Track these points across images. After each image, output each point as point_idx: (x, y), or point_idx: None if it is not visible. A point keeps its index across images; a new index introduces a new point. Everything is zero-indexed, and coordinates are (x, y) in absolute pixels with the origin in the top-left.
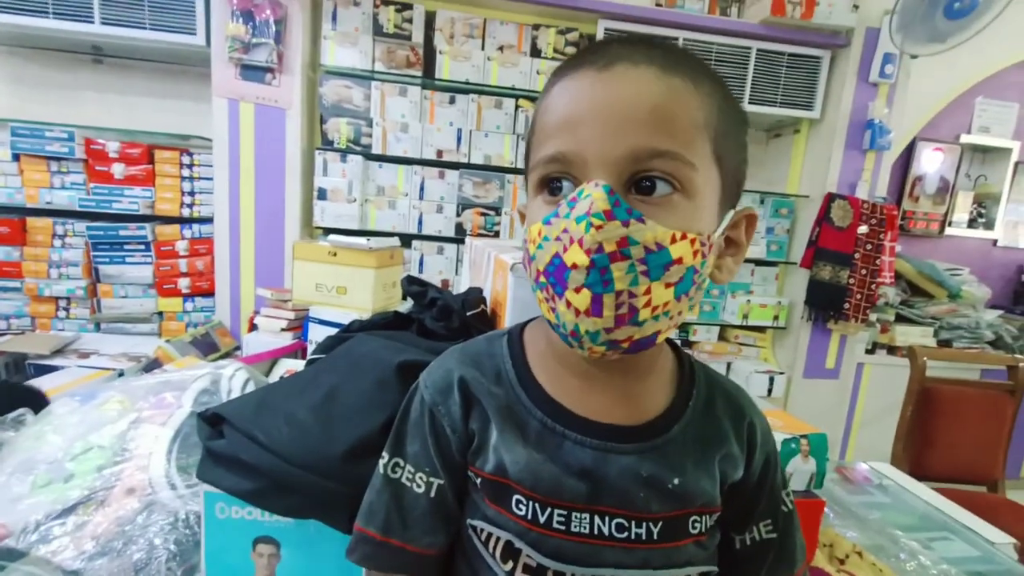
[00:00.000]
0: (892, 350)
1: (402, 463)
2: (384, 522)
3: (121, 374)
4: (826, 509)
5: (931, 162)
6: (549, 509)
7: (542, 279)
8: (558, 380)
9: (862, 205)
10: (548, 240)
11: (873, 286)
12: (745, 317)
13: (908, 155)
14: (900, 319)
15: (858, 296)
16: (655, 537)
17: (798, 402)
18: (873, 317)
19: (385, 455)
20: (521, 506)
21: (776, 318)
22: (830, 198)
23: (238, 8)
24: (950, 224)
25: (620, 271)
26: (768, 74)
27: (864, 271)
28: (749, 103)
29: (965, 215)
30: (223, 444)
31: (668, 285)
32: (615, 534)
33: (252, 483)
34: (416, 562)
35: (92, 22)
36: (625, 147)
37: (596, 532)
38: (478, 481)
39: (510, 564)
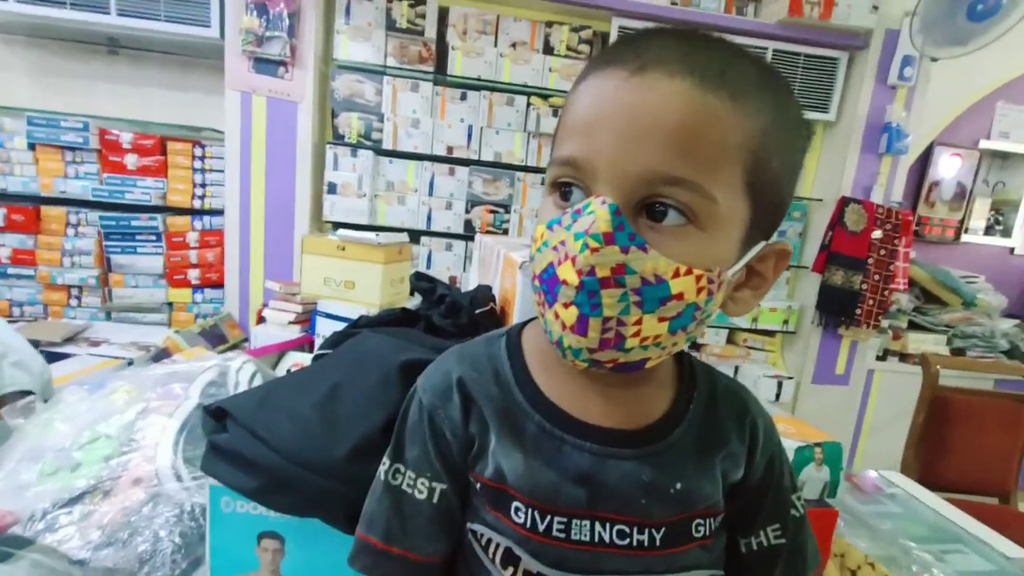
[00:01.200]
0: (904, 357)
1: (402, 469)
2: (385, 530)
3: (131, 363)
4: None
5: (948, 167)
6: (548, 517)
7: (536, 283)
8: (556, 382)
9: (877, 210)
10: (547, 246)
11: (886, 292)
12: (754, 321)
13: (925, 160)
14: (913, 326)
15: (870, 302)
16: (657, 544)
17: (806, 408)
18: (885, 323)
19: (386, 461)
20: (520, 514)
21: (786, 322)
22: (844, 202)
23: (252, 1)
24: (966, 231)
25: (611, 298)
26: (784, 75)
27: (877, 276)
28: None
29: (982, 222)
30: (226, 438)
31: (662, 319)
32: (616, 541)
33: (254, 480)
34: (419, 571)
35: (108, 13)
36: (640, 166)
37: (597, 539)
38: (478, 486)
39: (510, 570)
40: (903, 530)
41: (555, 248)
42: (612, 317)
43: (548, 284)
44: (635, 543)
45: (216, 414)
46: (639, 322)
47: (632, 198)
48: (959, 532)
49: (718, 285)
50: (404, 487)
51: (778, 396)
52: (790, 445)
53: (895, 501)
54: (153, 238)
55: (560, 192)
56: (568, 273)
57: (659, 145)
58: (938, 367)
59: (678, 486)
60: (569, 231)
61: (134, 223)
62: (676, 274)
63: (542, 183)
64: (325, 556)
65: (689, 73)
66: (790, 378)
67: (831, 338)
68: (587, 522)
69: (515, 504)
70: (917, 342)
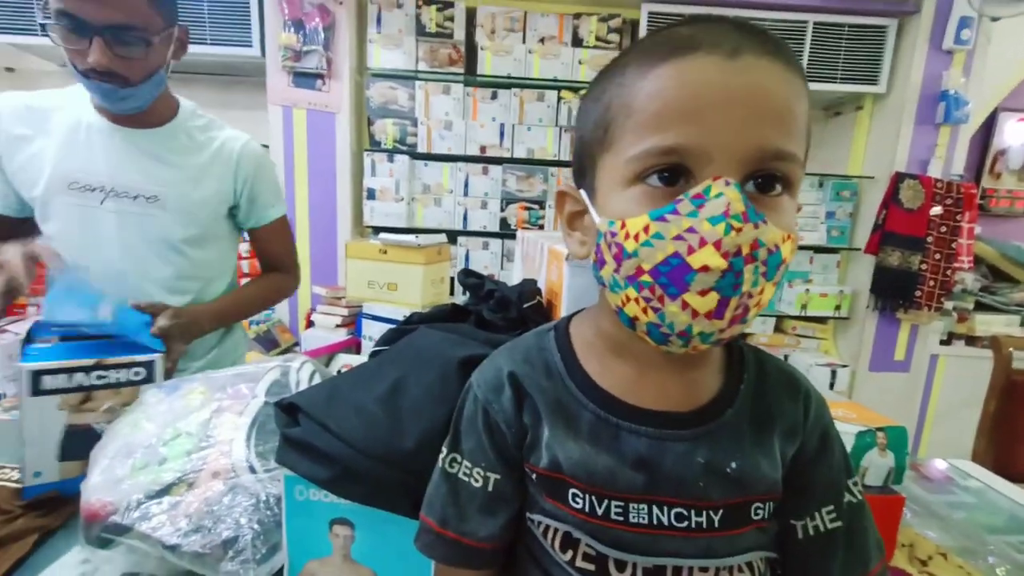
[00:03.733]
0: (971, 340)
1: (459, 459)
2: (442, 514)
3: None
4: (904, 507)
5: (1016, 134)
6: (606, 501)
7: (646, 278)
8: (608, 371)
9: (935, 184)
10: (662, 238)
11: (949, 272)
12: (804, 307)
13: (988, 128)
14: (980, 307)
15: (931, 283)
16: (716, 525)
17: (864, 396)
18: (949, 305)
19: (444, 450)
20: (578, 499)
21: (838, 308)
22: (898, 178)
23: (289, 18)
24: None
25: (750, 273)
26: (826, 48)
27: (938, 255)
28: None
29: None
30: (299, 431)
31: (774, 284)
32: (675, 523)
33: (326, 470)
34: (473, 555)
35: None
36: (755, 144)
37: (656, 522)
38: (534, 476)
39: (569, 553)
40: (977, 520)
41: (678, 237)
42: (747, 292)
43: (671, 276)
44: (694, 525)
45: (288, 409)
46: (762, 291)
47: (743, 173)
48: None
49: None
50: (460, 475)
51: (832, 385)
52: (850, 430)
53: (968, 491)
54: None
55: (660, 178)
56: (711, 258)
57: (770, 122)
58: (1011, 349)
59: (733, 465)
60: (697, 217)
61: None
62: (783, 240)
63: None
64: (392, 541)
65: (775, 56)
66: (844, 366)
67: (888, 323)
68: (644, 506)
69: (572, 491)
70: (986, 324)
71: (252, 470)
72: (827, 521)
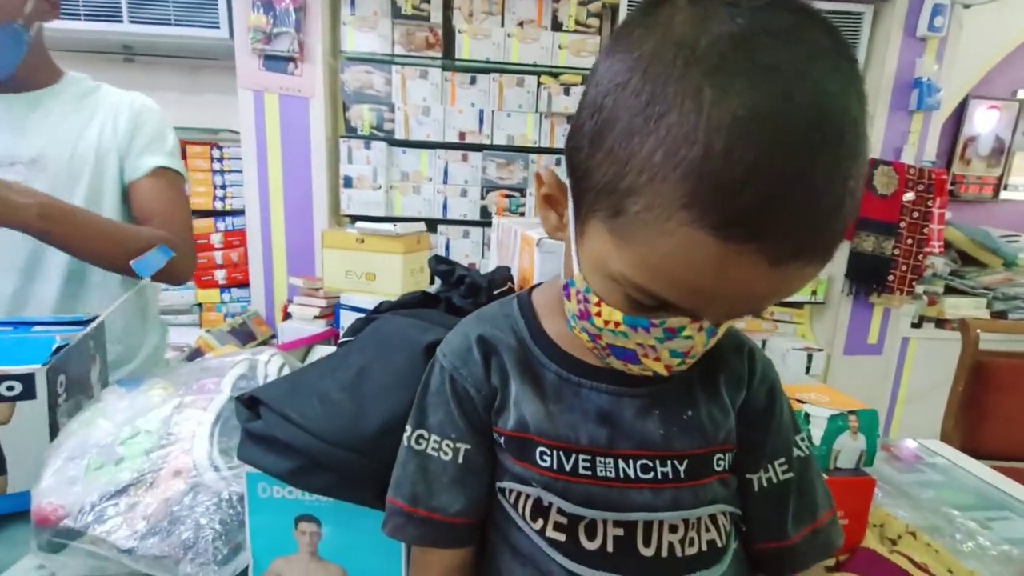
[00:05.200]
0: (941, 323)
1: (426, 434)
2: (411, 493)
3: (166, 363)
4: (875, 488)
5: (985, 121)
6: (573, 456)
7: (602, 343)
8: (569, 335)
9: (908, 170)
10: (627, 337)
11: (920, 256)
12: None
13: (959, 115)
14: (950, 290)
15: (904, 267)
16: (682, 475)
17: (838, 379)
18: (920, 289)
19: (408, 428)
20: (545, 457)
21: (814, 292)
22: (873, 164)
23: None
24: (1006, 188)
25: (693, 360)
26: None
27: (910, 240)
28: None
29: (1022, 178)
30: (260, 425)
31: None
32: (641, 475)
33: (289, 462)
34: (446, 532)
35: (121, 21)
36: (749, 311)
37: (622, 475)
38: (502, 440)
39: (540, 522)
40: (946, 498)
41: (639, 344)
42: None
43: (626, 357)
44: (659, 476)
45: (249, 403)
46: (715, 335)
47: None
48: (1005, 499)
49: None
50: (429, 451)
51: (808, 369)
52: (823, 413)
53: (936, 470)
54: None
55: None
56: (657, 367)
57: (767, 303)
58: (978, 331)
59: (689, 413)
60: (662, 344)
61: None
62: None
63: (557, 163)
64: (360, 537)
65: (820, 259)
66: (820, 350)
67: (862, 307)
68: (610, 459)
69: (540, 449)
70: (955, 307)
71: (215, 468)
72: (779, 473)
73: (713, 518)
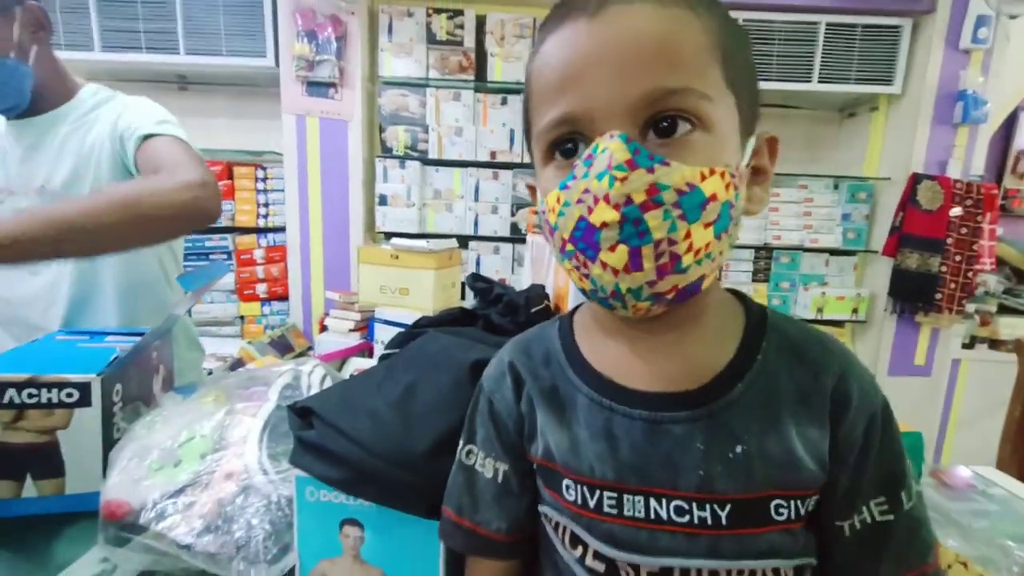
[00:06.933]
0: (995, 344)
1: (474, 450)
2: (458, 503)
3: (210, 372)
4: None
5: None
6: (598, 492)
7: (569, 247)
8: (602, 352)
9: (954, 185)
10: (569, 205)
11: (970, 274)
12: (820, 311)
13: (1009, 127)
14: (1004, 310)
15: (952, 285)
16: (723, 522)
17: None
18: (971, 308)
19: (461, 441)
20: (570, 491)
21: (855, 311)
22: (916, 179)
23: (303, 28)
24: None
25: (656, 219)
26: (840, 49)
27: (959, 257)
28: (819, 81)
29: None
30: (313, 435)
31: (707, 225)
32: (674, 518)
33: (339, 472)
34: (488, 545)
35: (178, 53)
36: (635, 92)
37: (653, 516)
38: (535, 467)
39: (579, 550)
40: (1001, 529)
41: (579, 200)
42: (663, 239)
43: (584, 239)
44: (696, 520)
45: (301, 412)
46: (688, 235)
47: (637, 124)
48: None
49: (739, 179)
50: (476, 466)
51: None
52: None
53: (991, 499)
54: (224, 256)
55: (561, 152)
56: (605, 213)
57: (646, 65)
58: None
59: (738, 449)
60: (588, 177)
61: (207, 244)
62: (703, 177)
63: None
64: (401, 542)
65: None
66: None
67: (908, 326)
68: (640, 498)
69: (565, 482)
70: (1010, 327)
71: (264, 472)
72: (877, 513)
73: (776, 571)
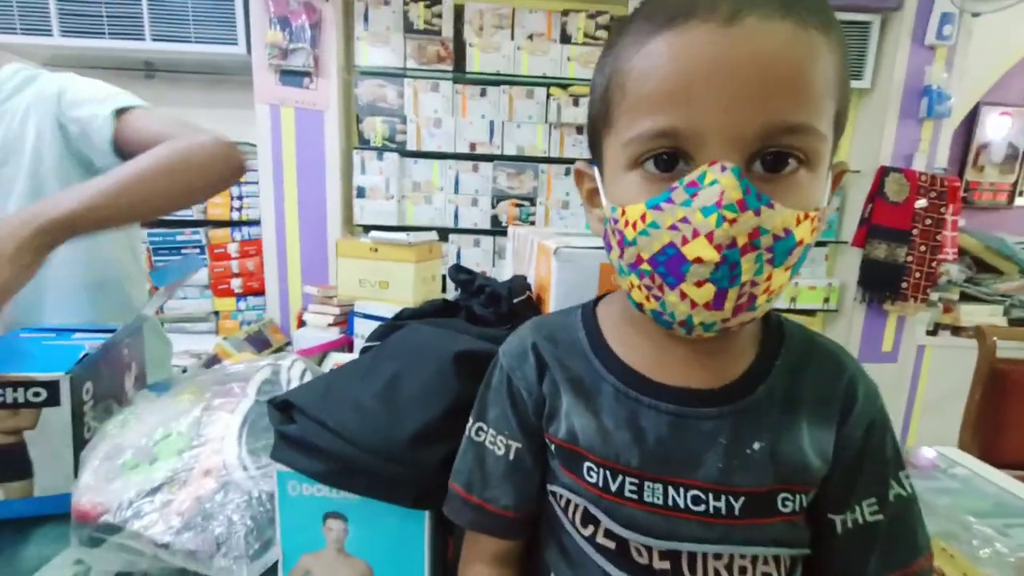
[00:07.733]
0: (957, 331)
1: (485, 428)
2: (467, 480)
3: (184, 370)
4: None
5: (997, 128)
6: (620, 477)
7: (645, 267)
8: (633, 347)
9: (920, 178)
10: (658, 228)
11: (934, 263)
12: (792, 300)
13: (971, 122)
14: (965, 298)
15: (917, 275)
16: (736, 513)
17: None
18: (935, 296)
19: (471, 419)
20: (592, 473)
21: (827, 300)
22: (884, 172)
23: (275, 15)
24: (1020, 194)
25: (748, 263)
26: None
27: (924, 248)
28: None
29: None
30: (295, 429)
31: (787, 268)
32: (691, 507)
33: (323, 465)
34: (496, 521)
35: (143, 39)
36: (758, 121)
37: (671, 504)
38: (553, 448)
39: (590, 528)
40: (963, 505)
41: (673, 227)
42: (748, 281)
43: (668, 266)
44: (711, 510)
45: (281, 407)
46: (770, 278)
47: (747, 155)
48: None
49: (822, 221)
50: (486, 443)
51: None
52: None
53: (954, 477)
54: (197, 251)
55: (655, 163)
56: (704, 250)
57: (774, 96)
58: (995, 339)
59: (756, 446)
60: (691, 207)
61: (179, 238)
62: (798, 221)
63: (566, 173)
64: (385, 533)
65: (786, 13)
66: None
67: (876, 314)
68: (660, 485)
69: (587, 464)
70: (971, 314)
71: (244, 467)
72: (867, 514)
73: (776, 558)
